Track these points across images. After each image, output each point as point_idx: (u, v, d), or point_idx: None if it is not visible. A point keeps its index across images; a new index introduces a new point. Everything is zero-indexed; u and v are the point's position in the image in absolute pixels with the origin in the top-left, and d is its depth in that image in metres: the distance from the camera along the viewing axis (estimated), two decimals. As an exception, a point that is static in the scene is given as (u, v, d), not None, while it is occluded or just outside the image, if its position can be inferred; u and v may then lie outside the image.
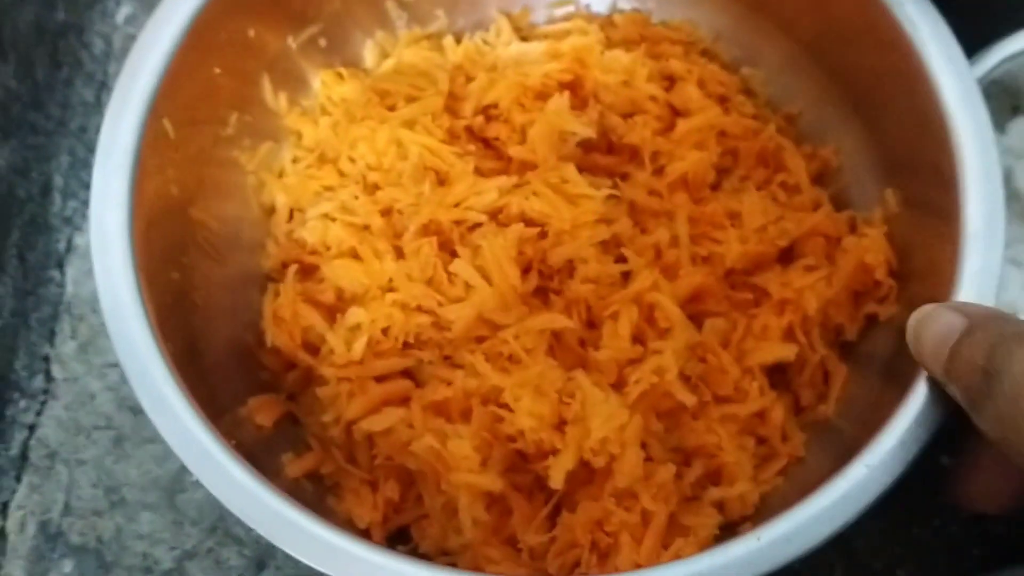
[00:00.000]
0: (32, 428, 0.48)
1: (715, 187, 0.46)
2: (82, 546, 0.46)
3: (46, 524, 0.46)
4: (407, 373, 0.41)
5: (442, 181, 0.43)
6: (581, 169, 0.45)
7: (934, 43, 0.39)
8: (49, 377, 0.49)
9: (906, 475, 0.33)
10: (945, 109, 0.38)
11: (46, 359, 0.50)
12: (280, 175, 0.47)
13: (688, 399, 0.38)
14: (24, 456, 0.48)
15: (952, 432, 0.41)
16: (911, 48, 0.40)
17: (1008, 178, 0.46)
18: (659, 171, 0.45)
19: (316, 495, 0.40)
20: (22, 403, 0.49)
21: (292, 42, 0.47)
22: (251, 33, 0.44)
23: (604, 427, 0.36)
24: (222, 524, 0.46)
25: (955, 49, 0.39)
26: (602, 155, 0.46)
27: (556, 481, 0.36)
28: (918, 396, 0.34)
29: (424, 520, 0.39)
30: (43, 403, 0.49)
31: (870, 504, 0.32)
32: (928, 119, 0.39)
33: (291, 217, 0.46)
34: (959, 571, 0.44)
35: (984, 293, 0.35)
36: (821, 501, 0.32)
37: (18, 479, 0.47)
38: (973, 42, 0.44)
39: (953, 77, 0.39)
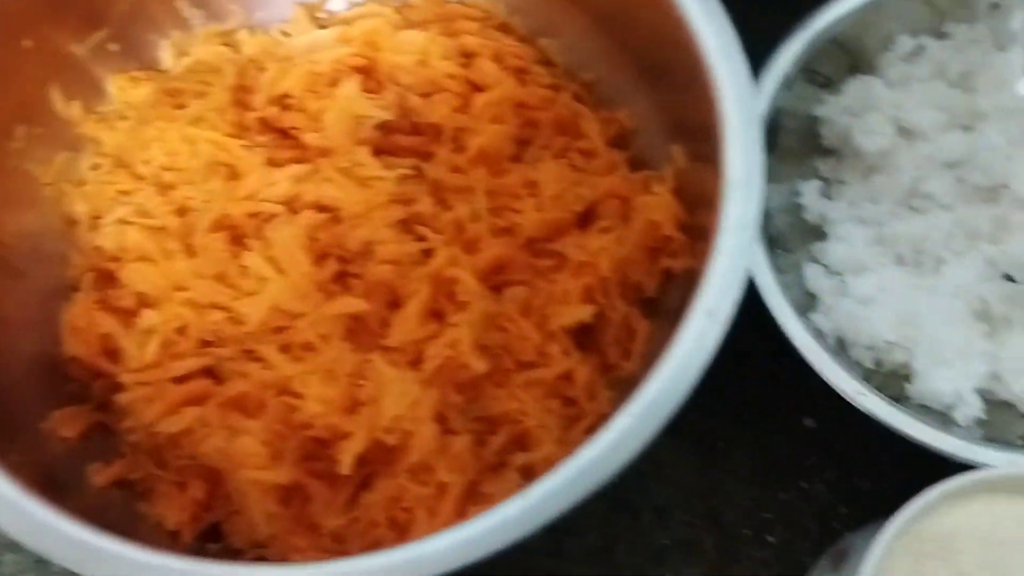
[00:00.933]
0: None
1: (517, 159, 0.46)
2: (-56, 592, 0.45)
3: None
4: (212, 372, 0.41)
5: (234, 175, 0.43)
6: (383, 152, 0.45)
7: (695, 5, 0.40)
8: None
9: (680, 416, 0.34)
10: (708, 67, 0.39)
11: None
12: (80, 184, 0.46)
13: (480, 367, 0.39)
14: None
15: (814, 394, 0.42)
16: (676, 12, 0.41)
17: (847, 137, 0.48)
18: (460, 147, 0.46)
19: (125, 502, 0.40)
20: None
21: (79, 49, 0.46)
22: (27, 43, 0.43)
23: (396, 405, 0.37)
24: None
25: (715, 8, 0.40)
26: (405, 136, 0.47)
27: (345, 465, 0.36)
28: (683, 343, 0.35)
29: (234, 516, 0.39)
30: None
31: (637, 451, 0.33)
32: (697, 77, 0.40)
33: (93, 225, 0.45)
34: (829, 530, 0.45)
35: (742, 239, 0.36)
36: (588, 454, 0.33)
37: None
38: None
39: (714, 36, 0.39)
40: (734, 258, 0.36)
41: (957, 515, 0.35)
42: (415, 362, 0.40)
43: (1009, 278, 0.45)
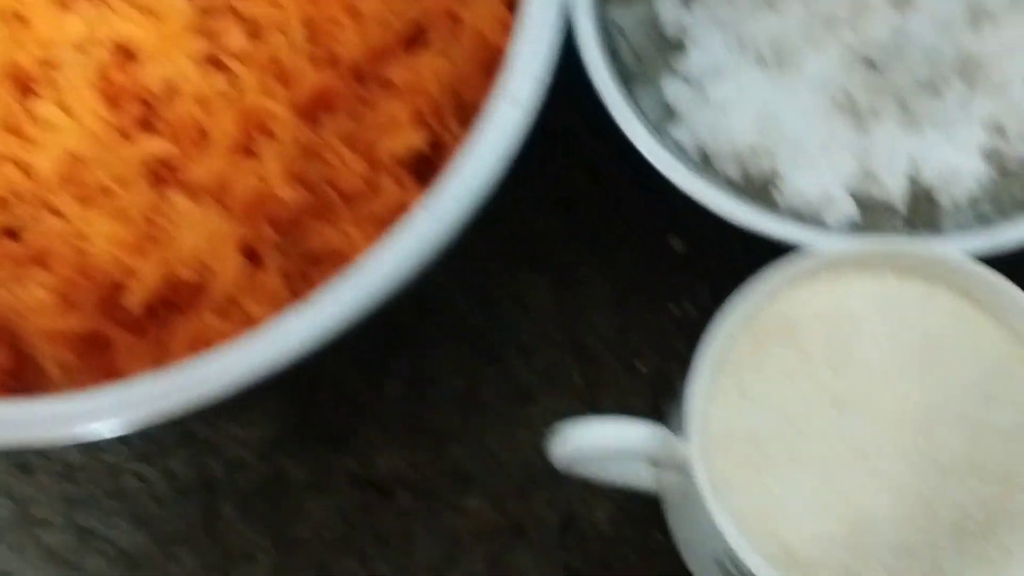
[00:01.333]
0: None
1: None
2: None
3: None
4: (13, 233, 0.38)
5: (22, 22, 0.40)
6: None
7: None
8: None
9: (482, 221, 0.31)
10: None
11: None
12: None
13: (292, 197, 0.36)
14: None
15: (681, 214, 0.40)
16: None
17: None
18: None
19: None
20: None
21: None
22: None
23: (192, 238, 0.34)
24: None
25: None
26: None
27: (135, 303, 0.34)
28: (486, 133, 0.32)
29: (44, 380, 0.37)
30: None
31: (439, 248, 0.31)
32: None
33: None
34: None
35: (545, 19, 0.33)
36: (383, 254, 0.30)
37: None
38: None
39: None
40: (537, 39, 0.33)
41: (799, 296, 0.33)
42: (221, 198, 0.37)
43: (872, 66, 0.42)
